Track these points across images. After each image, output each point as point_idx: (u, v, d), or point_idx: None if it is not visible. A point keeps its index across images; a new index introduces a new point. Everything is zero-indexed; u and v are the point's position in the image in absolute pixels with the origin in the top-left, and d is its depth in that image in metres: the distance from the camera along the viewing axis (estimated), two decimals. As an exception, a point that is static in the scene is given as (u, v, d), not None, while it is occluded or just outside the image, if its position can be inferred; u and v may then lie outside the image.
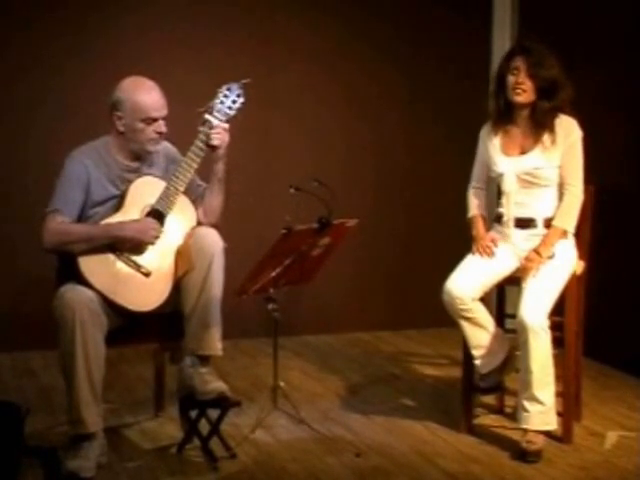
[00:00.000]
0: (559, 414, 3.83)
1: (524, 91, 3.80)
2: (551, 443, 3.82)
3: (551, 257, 3.81)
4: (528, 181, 3.86)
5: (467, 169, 4.13)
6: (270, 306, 3.83)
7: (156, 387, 4.16)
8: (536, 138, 3.85)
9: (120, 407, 4.23)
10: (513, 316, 3.82)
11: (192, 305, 3.62)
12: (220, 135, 3.68)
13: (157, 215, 3.62)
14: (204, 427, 3.70)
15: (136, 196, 3.64)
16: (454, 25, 5.72)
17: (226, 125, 3.71)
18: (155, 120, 3.64)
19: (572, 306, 3.87)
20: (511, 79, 3.82)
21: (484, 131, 4.03)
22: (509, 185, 3.89)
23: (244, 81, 3.74)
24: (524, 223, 3.90)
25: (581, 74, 4.10)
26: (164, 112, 3.67)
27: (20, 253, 4.99)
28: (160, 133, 3.67)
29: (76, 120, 4.99)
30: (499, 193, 4.01)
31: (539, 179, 3.86)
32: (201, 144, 3.66)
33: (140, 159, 3.72)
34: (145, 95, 3.63)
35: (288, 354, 5.04)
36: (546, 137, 3.83)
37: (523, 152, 3.89)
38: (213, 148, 3.69)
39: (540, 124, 3.83)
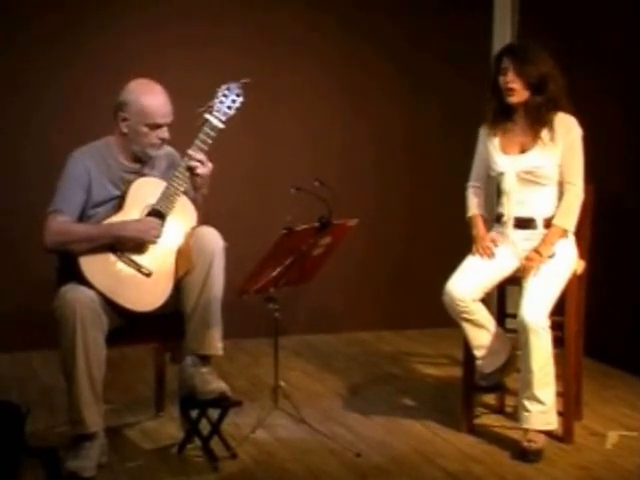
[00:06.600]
0: (560, 414, 3.83)
1: (515, 90, 3.81)
2: (552, 443, 3.82)
3: (551, 256, 3.81)
4: (528, 180, 3.86)
5: (468, 169, 4.12)
6: (270, 306, 3.84)
7: (157, 387, 4.16)
8: (535, 135, 3.84)
9: (121, 407, 4.23)
10: (514, 316, 3.82)
11: (193, 305, 3.62)
12: (199, 165, 3.63)
13: (157, 215, 3.62)
14: (205, 427, 3.70)
15: (137, 196, 3.63)
16: (455, 24, 5.72)
17: (205, 161, 3.65)
18: (159, 126, 3.64)
19: (572, 305, 3.87)
20: (502, 79, 3.83)
21: (483, 131, 4.02)
22: (509, 184, 3.89)
23: (243, 81, 3.73)
24: (524, 223, 3.90)
25: (581, 73, 4.10)
26: (169, 119, 3.66)
27: (21, 253, 4.99)
28: (162, 139, 3.67)
29: (76, 120, 5.00)
30: (499, 192, 4.01)
31: (539, 177, 3.85)
32: (200, 144, 3.66)
33: (141, 161, 3.72)
34: (153, 100, 3.62)
35: (288, 354, 5.04)
36: (545, 133, 3.82)
37: (523, 151, 3.88)
38: (195, 176, 3.66)
39: (536, 120, 3.82)
